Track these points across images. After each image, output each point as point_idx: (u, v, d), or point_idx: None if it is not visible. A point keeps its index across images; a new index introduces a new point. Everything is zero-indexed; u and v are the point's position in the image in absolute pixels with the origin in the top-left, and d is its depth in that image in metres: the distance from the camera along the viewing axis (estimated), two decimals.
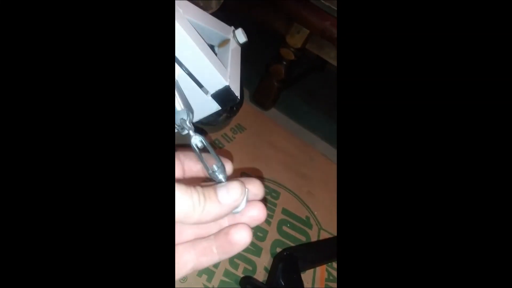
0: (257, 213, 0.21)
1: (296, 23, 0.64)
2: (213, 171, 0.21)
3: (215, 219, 0.19)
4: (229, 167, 0.22)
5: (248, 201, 0.20)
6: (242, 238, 0.20)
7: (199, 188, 0.18)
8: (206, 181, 0.23)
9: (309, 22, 0.62)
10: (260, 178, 0.58)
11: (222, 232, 0.20)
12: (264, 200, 0.22)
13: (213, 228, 0.21)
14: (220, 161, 0.22)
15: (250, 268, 0.44)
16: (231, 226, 0.20)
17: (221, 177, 0.21)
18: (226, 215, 0.19)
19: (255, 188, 0.21)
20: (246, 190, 0.20)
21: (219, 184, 0.19)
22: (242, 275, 0.42)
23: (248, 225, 0.20)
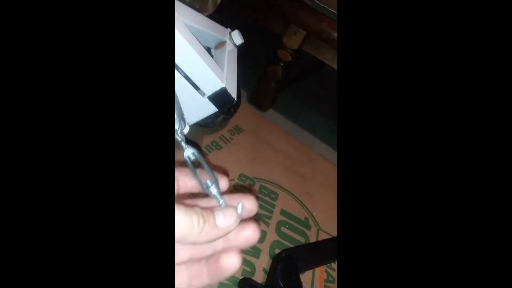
0: (251, 234, 0.21)
1: (292, 25, 0.65)
2: (207, 187, 0.21)
3: (210, 241, 0.20)
4: (223, 183, 0.23)
5: (242, 217, 0.21)
6: (231, 264, 0.20)
7: (198, 210, 0.19)
8: (197, 197, 0.23)
9: (306, 23, 0.62)
10: (258, 179, 0.58)
11: (213, 258, 0.21)
12: (257, 220, 0.22)
13: (207, 249, 0.22)
14: (214, 176, 0.22)
15: (249, 269, 0.44)
16: (221, 252, 0.21)
17: (215, 192, 0.21)
18: (221, 237, 0.20)
19: (250, 204, 0.22)
20: (241, 205, 0.21)
21: (216, 208, 0.20)
22: (241, 277, 0.42)
23: (238, 251, 0.21)
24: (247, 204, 0.22)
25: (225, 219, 0.20)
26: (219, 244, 0.22)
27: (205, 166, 0.22)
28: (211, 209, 0.20)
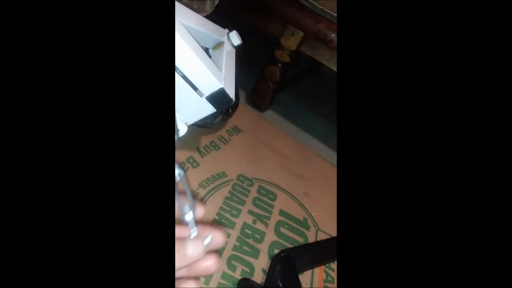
0: (210, 266, 0.23)
1: (290, 26, 0.65)
2: (183, 213, 0.22)
3: (178, 269, 0.21)
4: (200, 212, 0.24)
5: (209, 249, 0.23)
6: None
7: None
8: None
9: (303, 24, 0.62)
10: (257, 179, 0.58)
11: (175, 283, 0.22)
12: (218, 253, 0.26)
13: None
14: (193, 202, 0.22)
15: (248, 270, 0.44)
16: (181, 280, 0.22)
17: (189, 219, 0.22)
18: (188, 265, 0.22)
19: (219, 237, 0.24)
20: (211, 237, 0.23)
21: (187, 239, 0.22)
22: (240, 277, 0.42)
23: (196, 279, 0.23)
24: (217, 237, 0.24)
25: (194, 250, 0.21)
26: (182, 271, 0.23)
27: (187, 190, 0.22)
28: (182, 239, 0.21)
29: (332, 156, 0.74)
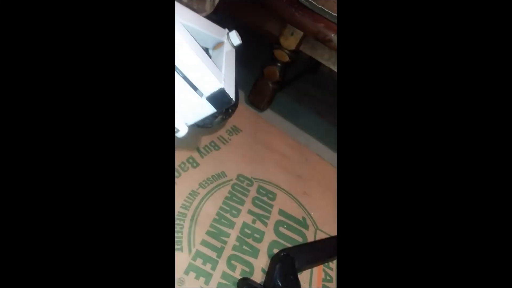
0: None
1: (289, 25, 0.65)
2: None
3: None
4: None
5: None
6: None
7: None
8: None
9: (303, 24, 0.62)
10: (256, 179, 0.58)
11: None
12: None
13: None
14: None
15: (247, 269, 0.44)
16: None
17: None
18: None
19: None
20: None
21: None
22: (239, 277, 0.42)
23: None
24: None
25: None
26: None
27: None
28: None
29: (331, 156, 0.74)
